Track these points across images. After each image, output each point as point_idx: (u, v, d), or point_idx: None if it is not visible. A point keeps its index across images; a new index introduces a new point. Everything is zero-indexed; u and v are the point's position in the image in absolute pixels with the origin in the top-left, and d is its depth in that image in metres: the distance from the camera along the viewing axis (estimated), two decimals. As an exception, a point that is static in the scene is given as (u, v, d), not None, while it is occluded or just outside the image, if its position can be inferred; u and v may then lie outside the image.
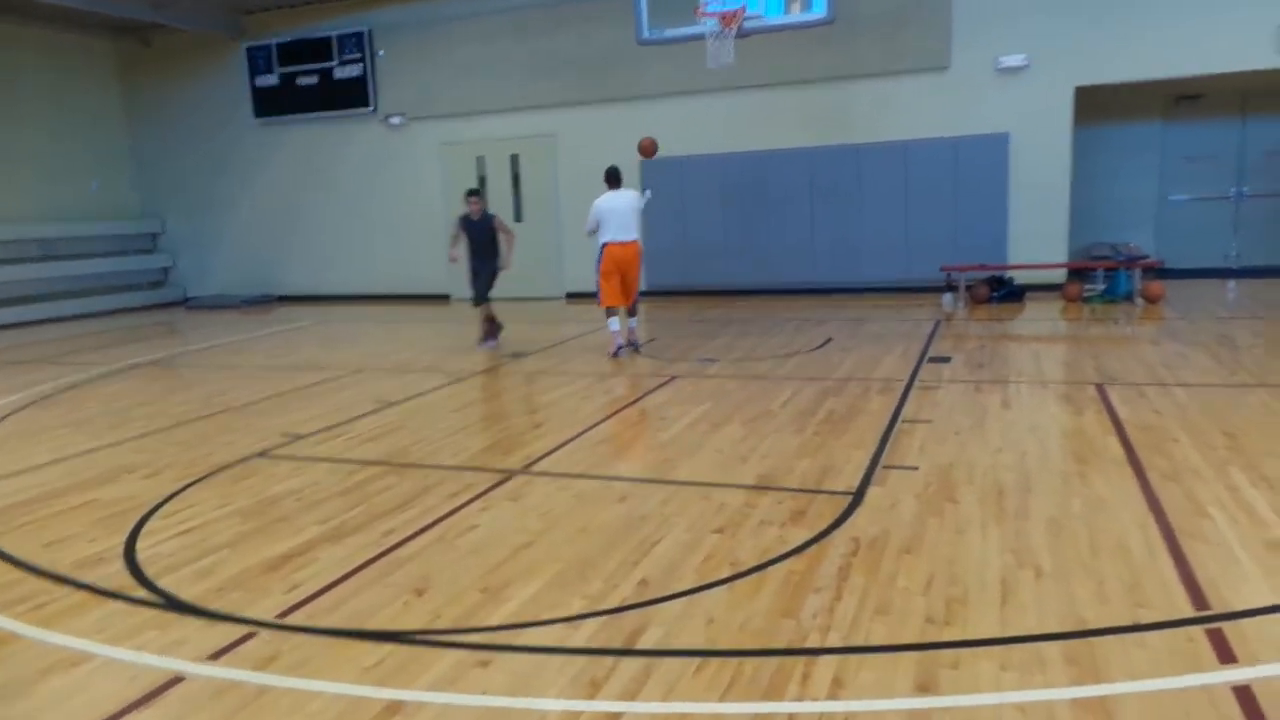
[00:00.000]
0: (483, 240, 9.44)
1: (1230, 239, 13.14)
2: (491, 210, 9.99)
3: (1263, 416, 5.60)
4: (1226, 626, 2.98)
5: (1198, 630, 2.97)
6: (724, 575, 3.56)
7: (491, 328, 9.74)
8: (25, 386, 8.68)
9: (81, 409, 7.56)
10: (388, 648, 3.10)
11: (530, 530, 4.18)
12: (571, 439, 5.85)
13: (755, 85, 12.71)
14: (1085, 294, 11.28)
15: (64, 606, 3.56)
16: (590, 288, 9.36)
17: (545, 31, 13.73)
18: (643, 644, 3.05)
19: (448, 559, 3.88)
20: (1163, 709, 2.55)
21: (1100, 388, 6.56)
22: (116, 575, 3.85)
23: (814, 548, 3.80)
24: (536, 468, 5.22)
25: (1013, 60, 11.88)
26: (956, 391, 6.69)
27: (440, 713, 2.70)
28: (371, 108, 15.04)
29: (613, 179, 8.95)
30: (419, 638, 3.18)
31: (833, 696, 2.67)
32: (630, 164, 10.57)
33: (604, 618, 3.26)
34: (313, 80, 15.27)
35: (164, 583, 3.74)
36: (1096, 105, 12.43)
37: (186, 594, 3.62)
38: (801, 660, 2.89)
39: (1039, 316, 10.51)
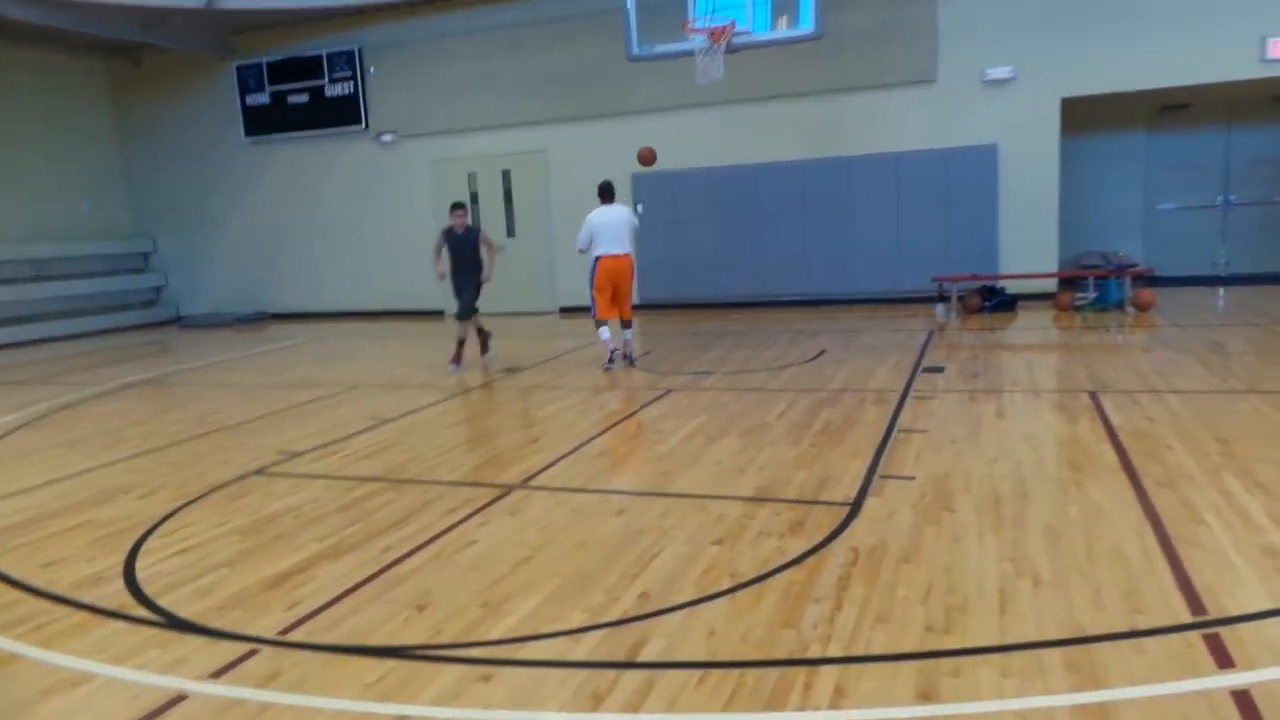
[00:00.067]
0: (466, 254, 9.30)
1: (1218, 247, 13.26)
2: (475, 224, 9.95)
3: (1255, 422, 5.64)
4: (1224, 631, 3.00)
5: (1195, 636, 2.99)
6: (724, 587, 3.58)
7: (482, 339, 9.67)
8: (18, 407, 8.66)
9: (75, 429, 7.54)
10: (389, 663, 3.11)
11: (529, 545, 4.18)
12: (569, 453, 5.86)
13: (745, 99, 12.79)
14: (1077, 303, 11.35)
15: (64, 627, 3.55)
16: (583, 302, 9.38)
17: (536, 48, 13.81)
18: (644, 656, 3.06)
19: (447, 574, 3.88)
20: (1162, 714, 2.56)
21: (1094, 395, 6.60)
22: (116, 595, 3.84)
23: (813, 558, 3.81)
24: (534, 482, 5.23)
25: (999, 73, 11.99)
26: (951, 401, 6.72)
27: (444, 728, 2.70)
28: (363, 125, 15.09)
29: (605, 193, 9.01)
30: (420, 653, 3.18)
31: (835, 706, 2.68)
32: (622, 178, 10.64)
33: (605, 631, 3.26)
34: (303, 99, 15.32)
35: (164, 601, 3.73)
36: (1083, 116, 12.55)
37: (187, 612, 3.62)
38: (803, 670, 2.90)
39: (1031, 325, 10.57)
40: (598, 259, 8.79)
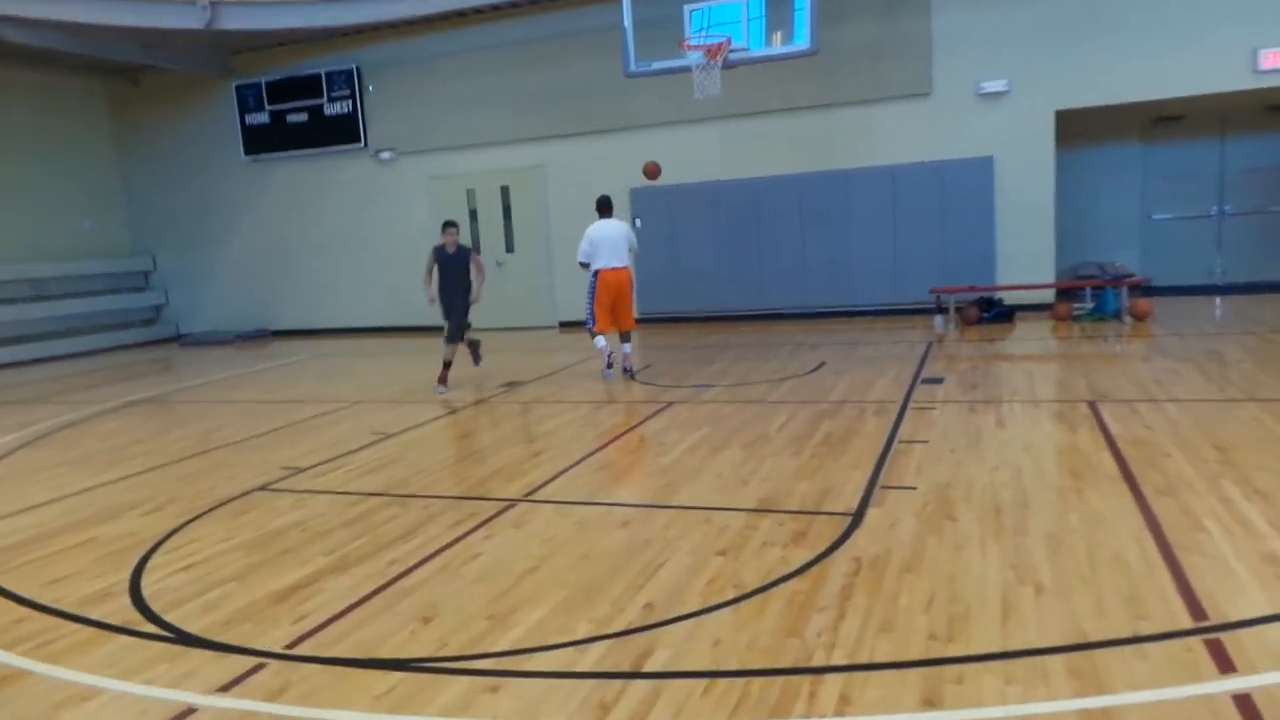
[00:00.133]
0: (456, 274, 9.09)
1: (1214, 256, 13.32)
2: (467, 244, 9.86)
3: (1253, 430, 5.67)
4: (1225, 637, 3.02)
5: (1197, 641, 3.01)
6: (729, 597, 3.60)
7: (472, 350, 9.52)
8: (20, 426, 8.68)
9: (78, 447, 7.56)
10: (397, 676, 3.13)
11: (534, 557, 4.21)
12: (571, 466, 5.89)
13: (742, 114, 12.87)
14: (1074, 313, 11.40)
15: (72, 643, 3.57)
16: (582, 315, 9.46)
17: (534, 65, 13.90)
18: (650, 666, 3.08)
19: (453, 587, 3.90)
20: (1165, 718, 2.59)
21: (1092, 405, 6.64)
22: (123, 610, 3.86)
23: (816, 568, 3.84)
24: (538, 495, 5.25)
25: (993, 85, 12.07)
26: (951, 412, 6.75)
27: (453, 739, 2.72)
28: (361, 143, 15.17)
29: (604, 208, 9.12)
30: (428, 665, 3.20)
31: (840, 713, 2.71)
32: (621, 193, 10.68)
33: (611, 641, 3.28)
34: (302, 117, 15.40)
35: (171, 617, 3.75)
36: (1078, 128, 12.63)
37: (194, 627, 3.64)
38: (808, 678, 2.92)
39: (1030, 336, 10.61)
40: (597, 272, 8.88)
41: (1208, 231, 13.32)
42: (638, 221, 9.37)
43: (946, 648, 3.07)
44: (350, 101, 15.04)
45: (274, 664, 3.27)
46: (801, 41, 10.28)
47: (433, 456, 6.49)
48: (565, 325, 14.13)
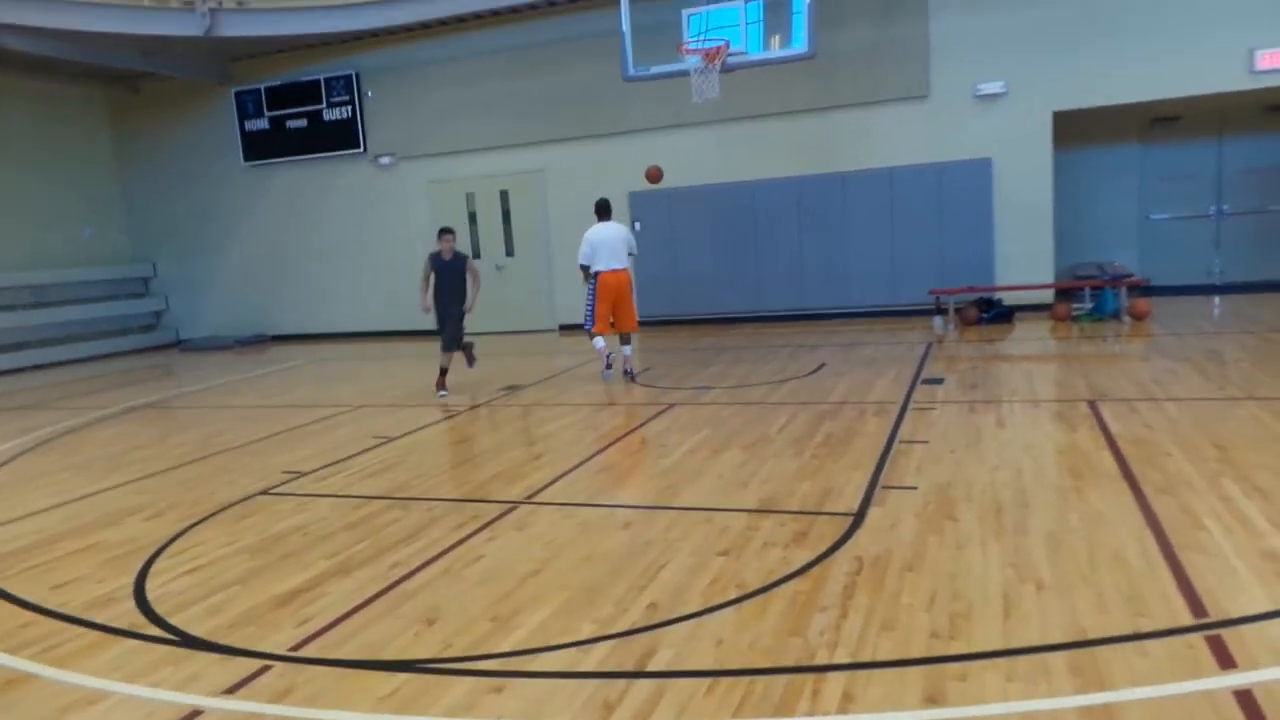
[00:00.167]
0: (453, 282, 9.03)
1: (1213, 255, 13.35)
2: (464, 252, 9.80)
3: (1252, 429, 5.69)
4: (1226, 633, 3.04)
5: (1197, 638, 3.03)
6: (731, 597, 3.61)
7: (465, 353, 9.48)
8: (21, 433, 8.69)
9: (79, 453, 7.57)
10: (401, 677, 3.14)
11: (537, 559, 4.22)
12: (573, 468, 5.90)
13: (741, 117, 12.91)
14: (1073, 313, 11.42)
15: (78, 646, 3.58)
16: (581, 319, 9.49)
17: (532, 70, 13.94)
18: (653, 666, 3.09)
19: (456, 589, 3.92)
20: (1166, 714, 2.60)
21: (1092, 404, 6.65)
22: (128, 614, 3.87)
23: (818, 568, 3.85)
24: (539, 498, 5.27)
25: (991, 87, 12.10)
26: (951, 412, 6.77)
27: (458, 739, 2.74)
28: (361, 149, 15.20)
29: (602, 211, 9.17)
30: (431, 667, 3.21)
31: (843, 711, 2.72)
32: (619, 196, 10.70)
33: (614, 641, 3.30)
34: (302, 123, 15.43)
35: (176, 620, 3.77)
36: (1076, 129, 12.67)
37: (199, 630, 3.65)
38: (811, 677, 2.94)
39: (1029, 336, 10.63)
40: (598, 275, 8.93)
41: (1206, 231, 13.35)
42: (637, 225, 9.40)
43: (949, 646, 3.08)
44: (349, 107, 15.08)
45: (279, 666, 3.29)
46: (799, 45, 10.32)
47: (434, 460, 6.50)
48: (565, 329, 14.16)
